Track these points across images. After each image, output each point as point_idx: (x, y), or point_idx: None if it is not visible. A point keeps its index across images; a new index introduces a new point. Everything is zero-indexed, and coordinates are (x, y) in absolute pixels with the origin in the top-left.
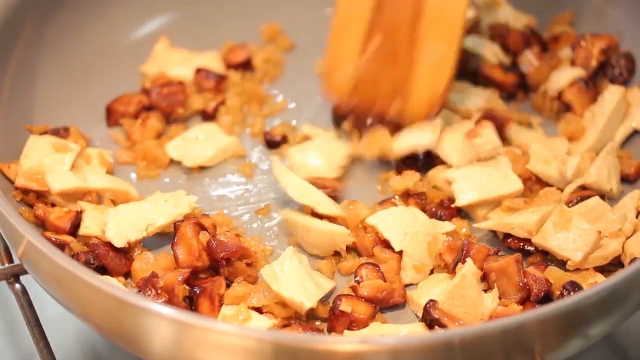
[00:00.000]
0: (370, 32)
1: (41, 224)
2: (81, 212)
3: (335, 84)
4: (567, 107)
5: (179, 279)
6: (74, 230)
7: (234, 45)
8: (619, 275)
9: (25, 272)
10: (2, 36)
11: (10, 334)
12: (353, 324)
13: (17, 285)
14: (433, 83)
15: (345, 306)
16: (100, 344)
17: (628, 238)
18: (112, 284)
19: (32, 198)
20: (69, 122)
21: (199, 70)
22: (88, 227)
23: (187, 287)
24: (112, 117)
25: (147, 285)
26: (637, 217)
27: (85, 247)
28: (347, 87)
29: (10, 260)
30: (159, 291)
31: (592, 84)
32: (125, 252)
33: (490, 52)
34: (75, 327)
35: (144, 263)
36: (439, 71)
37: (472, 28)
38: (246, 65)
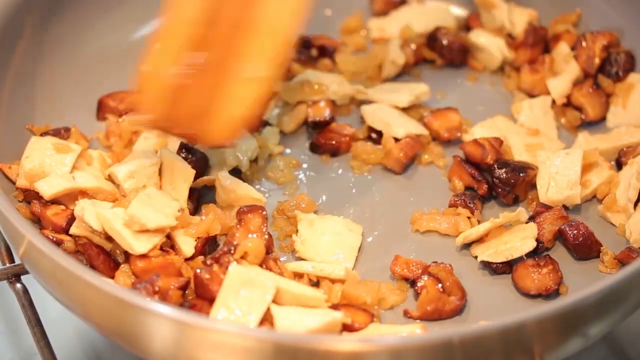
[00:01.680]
0: (194, 46)
1: (37, 221)
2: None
3: (149, 95)
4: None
5: (174, 285)
6: (69, 228)
7: None
8: (618, 275)
9: (26, 272)
10: (3, 37)
11: (11, 333)
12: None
13: (18, 285)
14: (245, 102)
15: (344, 317)
16: (101, 344)
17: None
18: (113, 284)
19: (33, 198)
20: (70, 123)
21: None
22: (78, 227)
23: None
24: (101, 110)
25: (143, 282)
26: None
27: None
28: (161, 100)
29: (12, 260)
30: (156, 288)
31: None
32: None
33: (495, 47)
34: (76, 326)
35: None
36: (253, 90)
37: (475, 22)
38: None
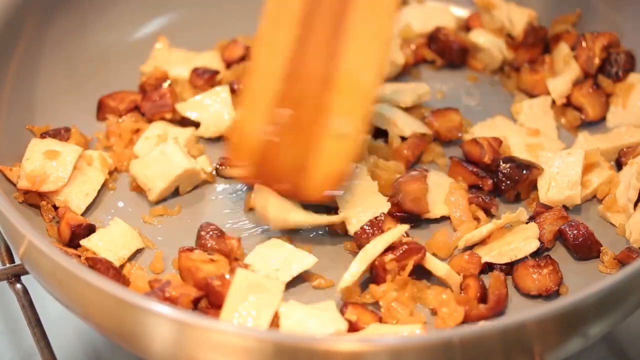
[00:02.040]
0: (280, 102)
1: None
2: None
3: (241, 152)
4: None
5: (186, 294)
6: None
7: (227, 43)
8: (618, 275)
9: (26, 272)
10: (3, 37)
11: (11, 333)
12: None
13: (18, 285)
14: (337, 158)
15: (350, 314)
16: (101, 344)
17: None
18: (113, 284)
19: (34, 198)
20: (70, 123)
21: (194, 70)
22: (91, 240)
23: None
24: (102, 111)
25: (156, 288)
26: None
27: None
28: (253, 156)
29: (12, 260)
30: (167, 295)
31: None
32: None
33: (495, 47)
34: (76, 326)
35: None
36: (344, 146)
37: (475, 22)
38: (246, 60)
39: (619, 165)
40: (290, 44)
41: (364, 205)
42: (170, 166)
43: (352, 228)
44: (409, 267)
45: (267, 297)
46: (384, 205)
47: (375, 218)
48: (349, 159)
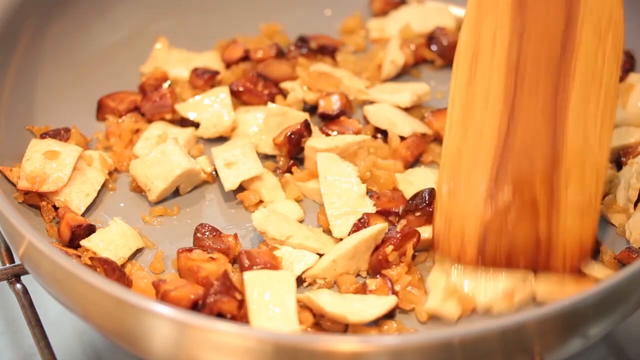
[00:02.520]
0: (498, 183)
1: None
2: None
3: (456, 243)
4: None
5: (190, 296)
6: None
7: (227, 43)
8: (618, 275)
9: (26, 272)
10: (3, 37)
11: (11, 333)
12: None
13: (18, 285)
14: (580, 233)
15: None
16: (101, 344)
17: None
18: (113, 284)
19: (34, 198)
20: (70, 123)
21: (194, 70)
22: (91, 240)
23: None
24: (101, 111)
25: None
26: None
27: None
28: (473, 245)
29: (11, 261)
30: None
31: None
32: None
33: None
34: (76, 326)
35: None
36: (585, 221)
37: None
38: (245, 60)
39: (619, 165)
40: (501, 123)
41: (349, 207)
42: (170, 166)
43: (337, 231)
44: (410, 252)
45: (283, 287)
46: (370, 209)
47: (359, 220)
48: (591, 233)
